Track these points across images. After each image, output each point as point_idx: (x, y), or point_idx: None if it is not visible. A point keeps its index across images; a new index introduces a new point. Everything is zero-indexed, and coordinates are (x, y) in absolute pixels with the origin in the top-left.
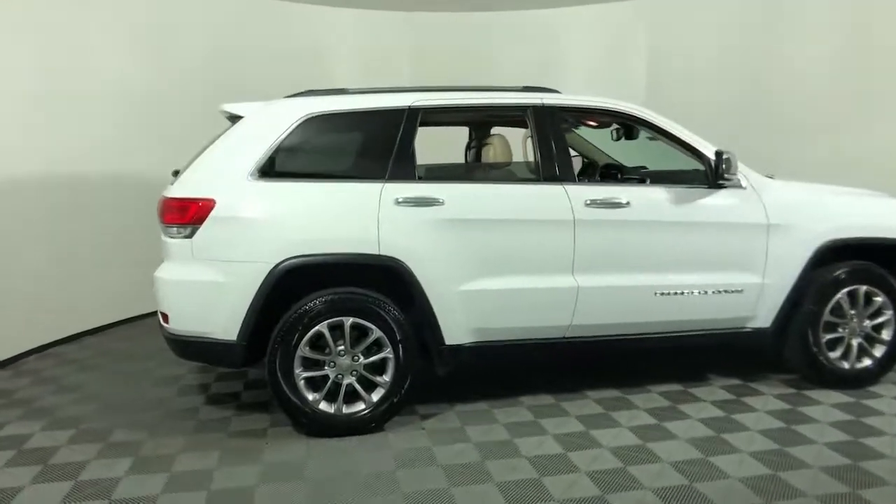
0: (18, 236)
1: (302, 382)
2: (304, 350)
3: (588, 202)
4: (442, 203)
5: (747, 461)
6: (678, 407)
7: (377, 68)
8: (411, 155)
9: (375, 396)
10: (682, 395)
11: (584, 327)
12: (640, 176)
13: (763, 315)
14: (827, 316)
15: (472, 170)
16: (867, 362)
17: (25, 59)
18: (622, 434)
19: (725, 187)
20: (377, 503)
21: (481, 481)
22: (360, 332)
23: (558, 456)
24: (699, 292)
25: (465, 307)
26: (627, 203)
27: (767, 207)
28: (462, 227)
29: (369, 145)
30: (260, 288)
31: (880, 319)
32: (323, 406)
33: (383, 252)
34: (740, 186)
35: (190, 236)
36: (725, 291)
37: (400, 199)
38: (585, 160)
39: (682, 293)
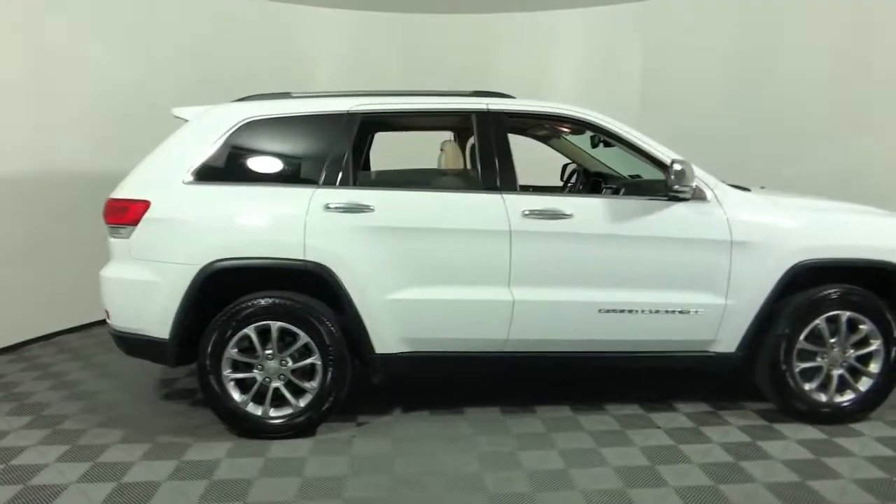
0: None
1: (231, 384)
2: (231, 352)
3: (526, 213)
4: (372, 210)
5: (670, 498)
6: (627, 432)
7: (367, 71)
8: (348, 160)
9: (304, 402)
10: (638, 419)
11: (523, 342)
12: (617, 185)
13: (727, 339)
14: (802, 343)
15: (412, 176)
16: (850, 396)
17: (6, 56)
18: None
19: (682, 199)
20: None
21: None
22: (291, 338)
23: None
24: (650, 312)
25: (395, 316)
26: (570, 214)
27: (732, 223)
28: (392, 235)
29: (305, 150)
30: (189, 289)
31: (867, 350)
32: (251, 408)
33: (309, 258)
34: (703, 198)
35: (128, 237)
36: (681, 312)
37: (329, 205)
38: (576, 168)
39: (630, 312)
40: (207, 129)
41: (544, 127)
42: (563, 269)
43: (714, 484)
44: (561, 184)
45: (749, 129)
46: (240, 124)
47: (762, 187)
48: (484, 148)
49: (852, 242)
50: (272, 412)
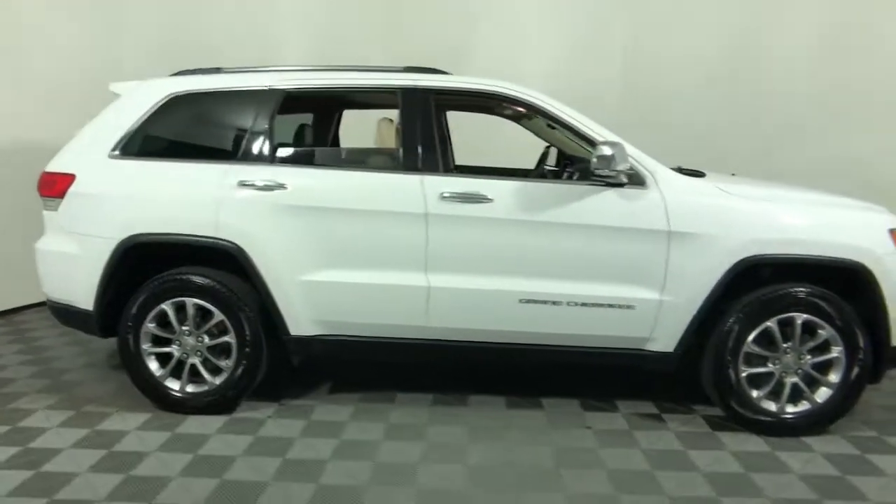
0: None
1: (150, 358)
2: (150, 326)
3: (444, 195)
4: (285, 188)
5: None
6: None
7: (344, 48)
8: (268, 137)
9: (219, 380)
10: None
11: (442, 330)
12: (574, 169)
13: (664, 337)
14: (750, 346)
15: (335, 155)
16: (805, 406)
17: None
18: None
19: (618, 184)
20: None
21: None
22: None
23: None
24: (575, 304)
25: (309, 299)
26: (491, 199)
27: (670, 211)
28: (305, 215)
29: (227, 126)
30: (108, 262)
31: (825, 357)
32: (169, 383)
33: (221, 235)
34: (640, 184)
35: (56, 209)
36: (610, 306)
37: (243, 183)
38: (546, 150)
39: (554, 303)
40: (135, 104)
41: (480, 105)
42: (482, 255)
43: (616, 493)
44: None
45: (739, 111)
46: (166, 99)
47: (732, 174)
48: (407, 126)
49: (809, 237)
50: (189, 388)
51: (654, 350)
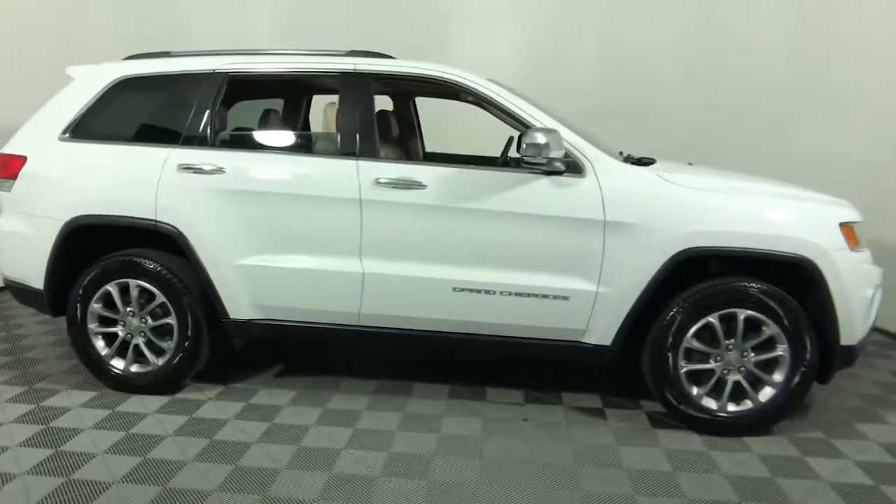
0: None
1: (97, 337)
2: (95, 307)
3: (379, 181)
4: (223, 172)
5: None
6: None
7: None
8: (210, 120)
9: (162, 360)
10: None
11: (377, 317)
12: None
13: (600, 330)
14: (690, 342)
15: (276, 140)
16: (747, 406)
17: None
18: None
19: (556, 173)
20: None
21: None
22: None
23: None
24: (509, 294)
25: (246, 283)
26: (425, 185)
27: (607, 201)
28: (242, 199)
29: (171, 109)
30: (55, 242)
31: (770, 355)
32: (115, 362)
33: (160, 218)
34: (578, 172)
35: (10, 190)
36: (544, 297)
37: (182, 166)
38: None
39: (487, 292)
40: (86, 87)
41: (426, 90)
42: (416, 242)
43: (542, 488)
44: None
45: (717, 98)
46: (115, 83)
47: (690, 163)
48: (345, 110)
49: (751, 230)
50: (133, 368)
51: (591, 343)
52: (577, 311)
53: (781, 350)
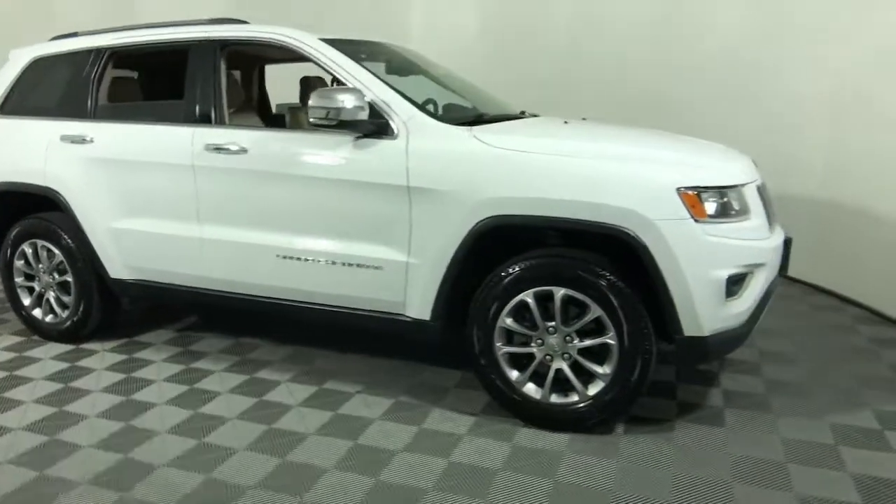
0: None
1: (23, 292)
2: (18, 264)
3: (207, 146)
4: (91, 141)
5: None
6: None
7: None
8: (88, 94)
9: (65, 314)
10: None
11: (214, 281)
12: None
13: (417, 304)
14: (506, 321)
15: (140, 110)
16: (573, 398)
17: None
18: None
19: (371, 136)
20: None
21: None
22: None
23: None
24: (327, 262)
25: (117, 245)
26: (247, 150)
27: (411, 165)
28: (107, 166)
29: (63, 85)
30: None
31: (595, 341)
32: (37, 313)
33: (48, 184)
34: (389, 135)
35: None
36: (359, 266)
37: (64, 136)
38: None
39: (308, 260)
40: (11, 67)
41: (274, 55)
42: (242, 208)
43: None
44: None
45: (684, 72)
46: (30, 62)
47: (583, 118)
48: (190, 78)
49: (561, 196)
50: (48, 318)
51: (413, 317)
52: (392, 281)
53: (609, 337)
